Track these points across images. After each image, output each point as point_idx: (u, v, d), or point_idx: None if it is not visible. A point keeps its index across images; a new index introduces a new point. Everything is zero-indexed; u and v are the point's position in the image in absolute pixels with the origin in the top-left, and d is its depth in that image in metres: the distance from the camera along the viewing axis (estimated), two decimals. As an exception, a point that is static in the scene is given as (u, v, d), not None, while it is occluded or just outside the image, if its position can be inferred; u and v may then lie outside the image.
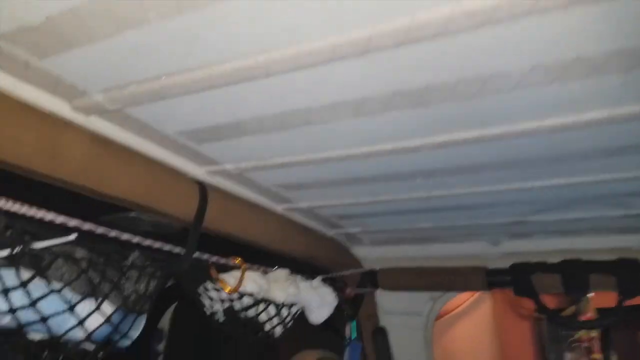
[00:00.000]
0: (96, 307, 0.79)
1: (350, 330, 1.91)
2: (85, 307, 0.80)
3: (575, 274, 1.61)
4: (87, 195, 0.83)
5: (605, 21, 0.60)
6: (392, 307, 2.04)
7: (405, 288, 1.89)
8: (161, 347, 2.32)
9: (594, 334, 3.76)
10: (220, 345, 2.36)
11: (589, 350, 3.80)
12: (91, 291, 0.79)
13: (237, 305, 1.17)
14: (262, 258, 1.42)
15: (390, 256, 2.01)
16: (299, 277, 1.47)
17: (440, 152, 1.01)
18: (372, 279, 1.88)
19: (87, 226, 0.81)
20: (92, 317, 0.80)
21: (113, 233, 0.86)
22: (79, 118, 0.81)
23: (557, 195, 1.30)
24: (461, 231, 1.76)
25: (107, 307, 0.83)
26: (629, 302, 1.52)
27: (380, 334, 1.98)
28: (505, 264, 1.74)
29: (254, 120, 0.87)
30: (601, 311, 3.21)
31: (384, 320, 2.04)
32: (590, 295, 3.19)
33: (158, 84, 0.72)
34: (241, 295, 1.17)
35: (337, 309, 1.72)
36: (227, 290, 1.13)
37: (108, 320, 0.82)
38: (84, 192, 0.80)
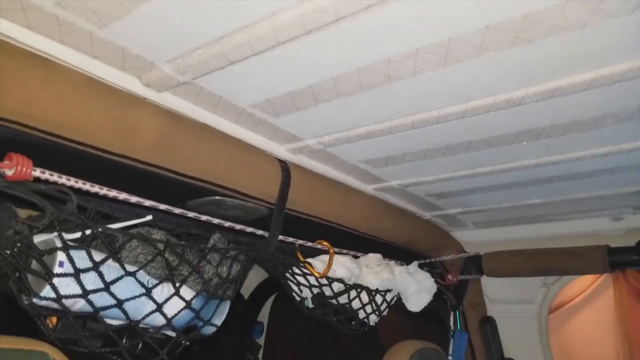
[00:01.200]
0: (175, 292, 0.76)
1: (454, 320, 1.77)
2: (163, 291, 0.77)
3: None
4: (167, 178, 0.80)
5: None
6: (501, 295, 1.87)
7: (513, 273, 1.71)
8: (262, 339, 2.34)
9: None
10: (321, 336, 2.32)
11: None
12: (169, 274, 0.76)
13: (328, 291, 1.11)
14: (352, 242, 1.35)
15: (496, 239, 1.84)
16: (392, 262, 1.37)
17: (548, 105, 0.85)
18: (477, 264, 1.73)
19: (163, 207, 0.79)
20: (171, 301, 0.77)
21: (191, 214, 0.83)
22: (151, 94, 0.79)
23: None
24: (578, 206, 1.54)
25: (187, 292, 0.80)
26: None
27: (488, 324, 1.82)
28: (630, 241, 1.52)
29: (329, 81, 0.79)
30: None
31: (492, 310, 1.87)
32: None
33: (222, 45, 0.67)
34: (331, 281, 1.11)
35: (440, 297, 1.60)
36: (315, 275, 1.07)
37: (188, 305, 0.79)
38: (161, 173, 0.78)
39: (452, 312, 1.79)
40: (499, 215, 1.71)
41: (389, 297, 1.29)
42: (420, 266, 1.51)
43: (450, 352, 1.71)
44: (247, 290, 2.22)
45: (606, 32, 0.65)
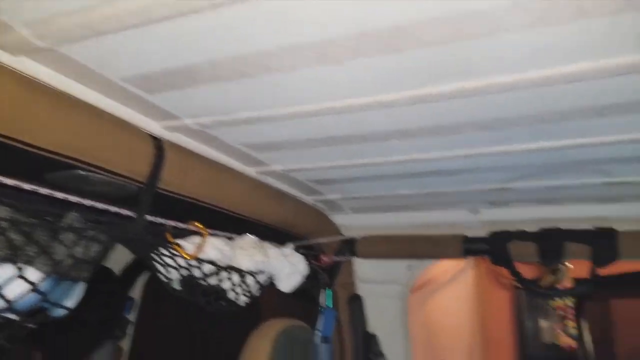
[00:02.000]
0: (18, 273, 0.71)
1: (325, 298, 1.86)
2: (3, 272, 0.71)
3: (551, 242, 1.59)
4: (17, 150, 0.73)
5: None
6: (370, 275, 2.01)
7: (383, 256, 1.85)
8: (133, 316, 2.26)
9: (570, 303, 3.84)
10: (194, 315, 2.30)
11: (563, 318, 3.89)
12: (11, 255, 0.70)
13: (197, 273, 1.10)
14: (229, 224, 1.35)
15: (370, 224, 1.96)
16: (268, 245, 1.40)
17: (415, 109, 0.93)
18: (351, 247, 1.83)
19: (10, 182, 0.72)
20: (14, 283, 0.71)
21: (44, 191, 0.77)
22: (3, 57, 0.71)
23: (537, 160, 1.25)
24: (441, 199, 1.71)
25: (32, 273, 0.74)
26: (602, 272, 1.50)
27: (355, 301, 1.95)
28: (483, 232, 1.71)
29: (207, 64, 0.77)
30: (577, 281, 3.23)
31: (361, 289, 2.00)
32: (569, 266, 3.21)
33: (89, 15, 0.62)
34: (202, 263, 1.10)
35: (313, 277, 1.66)
36: (186, 257, 1.05)
37: (34, 287, 0.74)
38: (9, 144, 0.70)
39: (323, 291, 1.88)
40: (373, 203, 1.82)
41: (261, 278, 1.31)
42: (298, 248, 1.56)
43: (318, 328, 1.80)
44: (120, 265, 2.13)
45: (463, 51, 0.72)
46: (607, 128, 1.01)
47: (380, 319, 1.97)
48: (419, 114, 0.96)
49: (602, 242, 1.49)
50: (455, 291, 3.78)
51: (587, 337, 2.94)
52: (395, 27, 0.66)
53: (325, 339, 1.80)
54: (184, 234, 1.14)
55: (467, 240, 1.72)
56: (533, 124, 1.00)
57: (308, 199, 1.76)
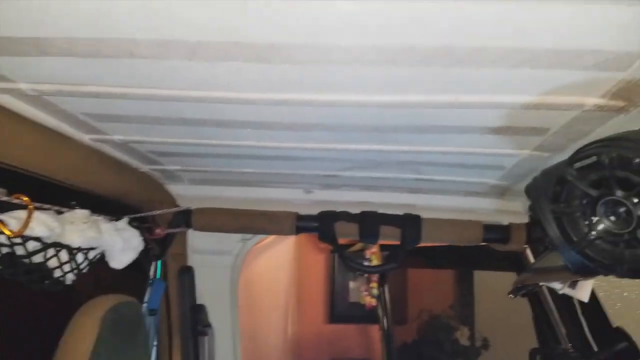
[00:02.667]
0: None
1: (155, 269, 1.84)
2: None
3: (370, 224, 1.79)
4: None
5: (437, 17, 0.63)
6: (203, 246, 2.03)
7: (219, 229, 1.87)
8: None
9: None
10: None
11: (369, 281, 4.45)
12: None
13: (20, 251, 1.01)
14: (59, 196, 1.24)
15: (207, 196, 1.96)
16: (101, 219, 1.33)
17: (274, 109, 0.98)
18: (186, 218, 1.81)
19: None
20: None
21: None
22: None
23: (368, 157, 1.42)
24: (281, 178, 1.80)
25: None
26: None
27: (186, 273, 1.96)
28: (314, 211, 1.86)
29: (62, 40, 0.71)
30: (383, 248, 3.69)
31: (193, 260, 2.01)
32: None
33: None
34: (25, 240, 1.01)
35: (144, 248, 1.62)
36: (7, 234, 0.95)
37: None
38: None
39: (154, 262, 1.85)
40: (213, 176, 1.84)
41: (91, 255, 1.25)
42: (132, 221, 1.50)
43: (146, 300, 1.78)
44: None
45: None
46: (424, 141, 1.21)
47: (211, 290, 2.02)
48: (277, 113, 1.02)
49: (410, 226, 1.74)
50: (277, 253, 4.02)
51: (387, 298, 3.42)
52: (270, 44, 0.70)
53: (151, 311, 1.78)
54: (6, 207, 1.02)
55: (299, 217, 1.84)
56: (370, 132, 1.14)
57: (144, 167, 1.70)
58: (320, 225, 1.83)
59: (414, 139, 1.19)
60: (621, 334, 1.60)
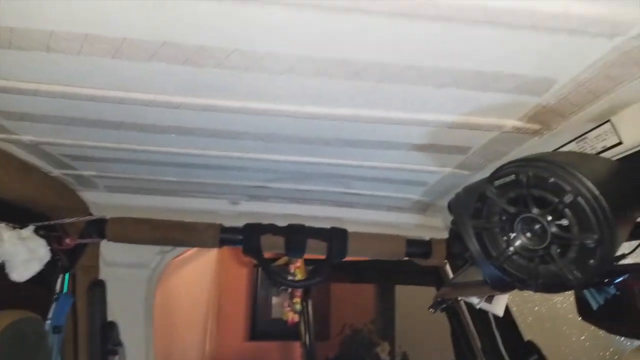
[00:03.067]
0: None
1: (62, 283, 1.69)
2: None
3: (297, 237, 1.78)
4: None
5: (370, 32, 0.64)
6: (117, 259, 1.90)
7: (135, 240, 1.76)
8: None
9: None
10: None
11: (292, 296, 4.41)
12: None
13: None
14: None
15: (125, 204, 1.84)
16: (3, 225, 1.20)
17: (201, 114, 0.95)
18: (100, 228, 1.69)
19: None
20: None
21: None
22: None
23: (296, 168, 1.41)
24: (205, 188, 1.74)
25: None
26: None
27: (97, 287, 1.82)
28: (239, 222, 1.81)
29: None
30: (307, 262, 3.69)
31: (105, 273, 1.87)
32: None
33: None
34: None
35: (51, 260, 1.49)
36: None
37: None
38: None
39: (61, 275, 1.71)
40: (132, 184, 1.73)
41: (-11, 266, 1.12)
42: (39, 229, 1.38)
43: (50, 316, 1.63)
44: None
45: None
46: (353, 155, 1.22)
47: (124, 305, 1.90)
48: (204, 119, 0.98)
49: (337, 240, 1.75)
50: (198, 266, 3.88)
51: (310, 314, 3.41)
52: (199, 46, 0.67)
53: (56, 329, 1.64)
54: None
55: (224, 229, 1.79)
56: (300, 144, 1.13)
57: (56, 172, 1.57)
58: (245, 238, 1.79)
59: (343, 153, 1.20)
60: (532, 347, 1.70)
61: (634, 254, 0.94)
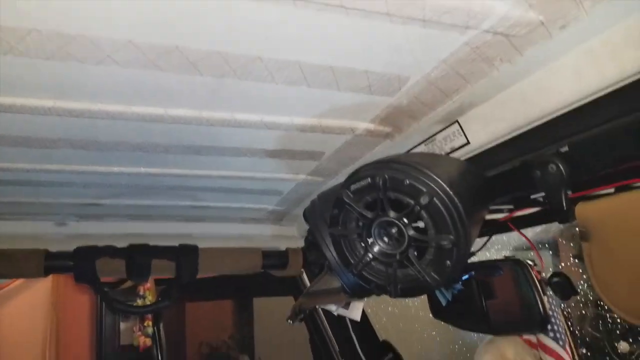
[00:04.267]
0: None
1: None
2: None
3: (139, 259, 1.59)
4: None
5: (207, 16, 0.54)
6: None
7: None
8: None
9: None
10: None
11: (143, 320, 4.04)
12: None
13: None
14: None
15: None
16: None
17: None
18: None
19: None
20: None
21: None
22: None
23: (133, 181, 1.24)
24: (25, 209, 1.45)
25: None
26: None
27: None
28: (70, 246, 1.55)
29: None
30: (158, 282, 3.43)
31: None
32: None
33: None
34: None
35: None
36: None
37: None
38: None
39: None
40: None
41: None
42: None
43: None
44: None
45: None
46: (201, 164, 1.09)
47: None
48: (1, 123, 0.77)
49: (186, 258, 1.60)
50: (28, 298, 3.37)
51: (162, 337, 3.14)
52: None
53: None
54: None
55: (49, 256, 1.52)
56: (134, 152, 0.97)
57: None
58: (76, 264, 1.54)
59: (187, 161, 1.07)
60: (387, 347, 1.74)
61: (478, 251, 0.98)
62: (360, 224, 0.79)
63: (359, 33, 0.59)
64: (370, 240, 0.78)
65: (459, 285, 1.19)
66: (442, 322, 1.29)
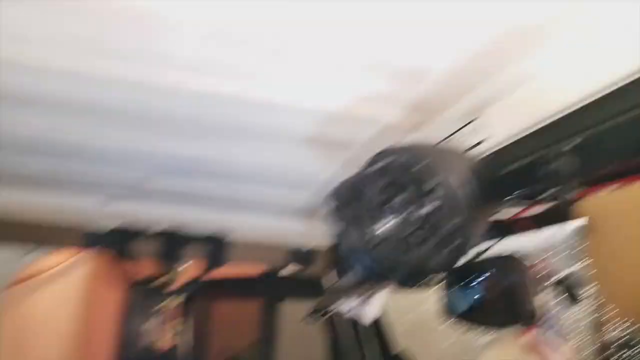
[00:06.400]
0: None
1: None
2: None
3: (173, 243, 1.68)
4: None
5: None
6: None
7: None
8: None
9: (176, 303, 4.07)
10: None
11: (169, 319, 4.11)
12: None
13: None
14: None
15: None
16: None
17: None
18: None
19: None
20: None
21: None
22: None
23: (178, 164, 1.32)
24: (73, 183, 1.56)
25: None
26: (211, 276, 1.67)
27: None
28: (110, 225, 1.65)
29: None
30: (186, 282, 3.47)
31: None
32: (187, 264, 3.43)
33: None
34: None
35: None
36: None
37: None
38: None
39: None
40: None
41: None
42: None
43: None
44: None
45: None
46: (239, 147, 1.16)
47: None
48: None
49: (216, 246, 1.68)
50: (59, 290, 3.48)
51: (188, 336, 3.19)
52: None
53: None
54: None
55: (90, 233, 1.63)
56: (182, 127, 1.05)
57: None
58: (115, 242, 1.65)
59: (225, 146, 1.14)
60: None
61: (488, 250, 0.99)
62: (374, 205, 0.84)
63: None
64: (382, 221, 0.83)
65: (479, 292, 1.20)
66: (460, 331, 1.29)
